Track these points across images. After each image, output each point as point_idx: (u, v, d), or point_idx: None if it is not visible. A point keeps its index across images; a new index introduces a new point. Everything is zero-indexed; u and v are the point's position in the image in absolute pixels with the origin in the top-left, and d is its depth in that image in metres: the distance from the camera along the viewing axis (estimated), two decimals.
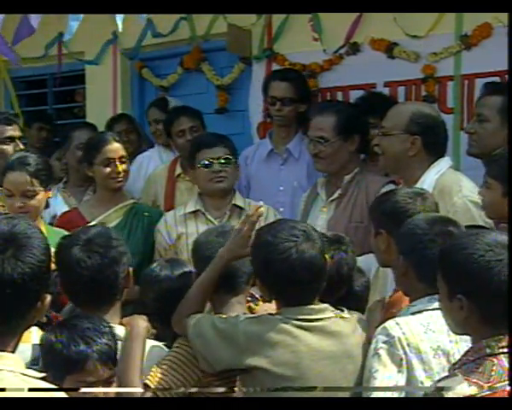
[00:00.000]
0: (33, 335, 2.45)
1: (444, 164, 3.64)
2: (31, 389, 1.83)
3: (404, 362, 2.50)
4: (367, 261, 3.23)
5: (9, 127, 4.36)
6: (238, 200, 4.10)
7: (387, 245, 2.84)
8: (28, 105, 6.78)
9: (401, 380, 2.48)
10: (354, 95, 4.80)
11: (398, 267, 2.69)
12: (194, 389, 2.56)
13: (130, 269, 2.84)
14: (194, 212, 4.06)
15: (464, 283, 2.12)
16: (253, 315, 2.69)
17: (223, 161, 4.02)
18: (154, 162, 5.24)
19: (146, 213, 4.23)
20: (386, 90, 4.76)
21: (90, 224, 3.77)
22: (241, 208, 4.06)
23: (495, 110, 3.69)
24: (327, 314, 2.64)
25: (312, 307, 2.63)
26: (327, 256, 2.68)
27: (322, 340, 2.60)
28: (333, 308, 2.71)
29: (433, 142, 3.63)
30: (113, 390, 2.44)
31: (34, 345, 2.47)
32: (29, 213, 3.57)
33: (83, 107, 6.44)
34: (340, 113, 4.06)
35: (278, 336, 2.57)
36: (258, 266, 2.68)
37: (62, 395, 1.92)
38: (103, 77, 6.08)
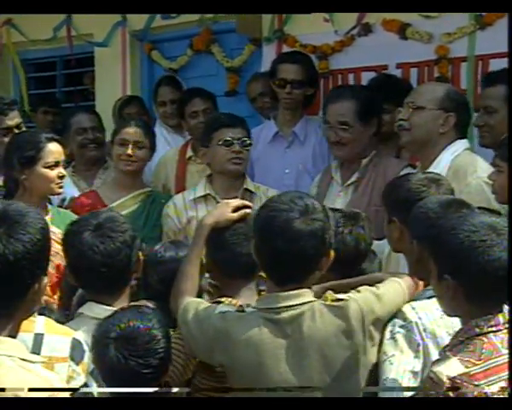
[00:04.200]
0: (37, 324, 2.38)
1: (460, 145, 3.61)
2: (31, 389, 1.81)
3: (420, 347, 2.46)
4: (380, 244, 3.17)
5: (6, 117, 4.27)
6: (249, 184, 4.05)
7: (400, 233, 2.77)
8: (37, 88, 6.77)
9: (417, 366, 2.44)
10: (366, 76, 4.73)
11: (412, 253, 2.63)
12: (186, 389, 2.49)
13: (140, 253, 2.81)
14: (203, 196, 4.01)
15: (450, 263, 2.16)
16: (227, 308, 2.56)
17: (243, 142, 3.95)
18: (158, 142, 5.18)
19: (163, 201, 4.20)
20: (398, 72, 4.69)
21: (105, 208, 3.76)
22: (251, 192, 4.01)
23: (501, 100, 3.70)
24: (300, 300, 2.43)
25: (285, 293, 2.43)
26: (331, 248, 2.50)
27: (290, 334, 2.42)
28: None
29: (463, 120, 3.63)
30: (112, 390, 2.41)
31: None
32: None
33: (91, 89, 6.40)
34: (359, 97, 4.01)
35: (243, 333, 2.43)
36: (252, 224, 2.55)
37: (63, 394, 1.90)
38: (112, 59, 6.04)
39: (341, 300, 2.48)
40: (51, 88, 6.69)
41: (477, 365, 2.08)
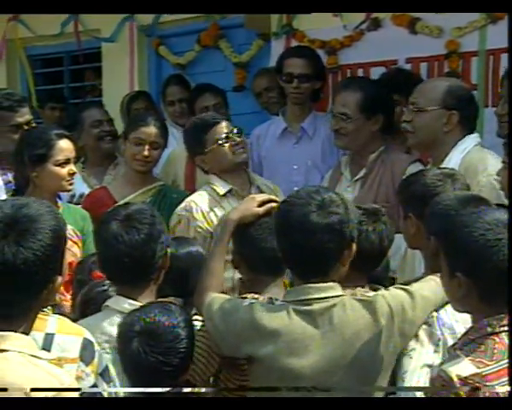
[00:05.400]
0: (49, 324, 2.34)
1: (470, 141, 3.55)
2: (33, 389, 1.80)
3: (441, 342, 2.45)
4: (396, 241, 3.12)
5: (16, 114, 4.21)
6: (257, 180, 3.96)
7: (417, 228, 2.74)
8: (45, 84, 6.75)
9: (437, 360, 2.42)
10: (375, 72, 4.70)
11: (429, 248, 2.59)
12: (203, 389, 2.48)
13: (169, 250, 2.78)
14: (224, 194, 3.85)
15: (463, 261, 2.13)
16: (255, 300, 2.57)
17: (236, 131, 3.86)
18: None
19: (174, 195, 4.17)
20: (408, 67, 4.66)
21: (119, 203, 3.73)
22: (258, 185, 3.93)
23: None
24: (331, 293, 2.45)
25: (316, 285, 2.44)
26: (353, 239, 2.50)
27: (321, 325, 2.42)
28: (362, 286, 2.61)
29: (468, 116, 3.56)
30: (116, 390, 2.40)
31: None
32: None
33: (96, 85, 6.39)
34: (366, 90, 3.98)
35: (273, 323, 2.43)
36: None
37: (65, 394, 1.88)
38: (120, 54, 6.03)
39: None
40: (58, 84, 6.67)
41: (489, 365, 2.04)
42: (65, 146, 3.77)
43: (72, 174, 3.78)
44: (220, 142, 3.83)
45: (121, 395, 2.37)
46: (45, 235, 1.94)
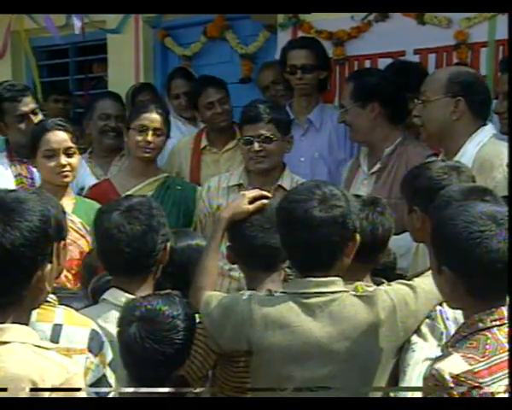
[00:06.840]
0: (56, 315, 2.34)
1: (485, 133, 3.45)
2: (32, 389, 1.80)
3: (444, 336, 2.42)
4: (407, 238, 3.08)
5: (20, 103, 4.16)
6: (285, 180, 3.92)
7: (422, 223, 2.70)
8: (50, 75, 6.73)
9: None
10: (383, 63, 4.66)
11: None
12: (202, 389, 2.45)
13: (168, 244, 2.77)
14: (237, 185, 3.92)
15: (448, 254, 2.10)
16: (255, 292, 2.56)
17: (263, 139, 3.82)
18: (173, 134, 5.11)
19: (178, 187, 4.15)
20: (416, 58, 4.63)
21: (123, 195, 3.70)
22: (285, 190, 3.81)
23: None
24: (331, 288, 2.43)
25: (317, 279, 2.44)
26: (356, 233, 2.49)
27: (319, 319, 2.41)
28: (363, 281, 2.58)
29: (476, 100, 3.46)
30: (114, 390, 2.36)
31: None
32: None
33: (102, 77, 6.35)
34: (359, 79, 3.98)
35: (273, 314, 2.43)
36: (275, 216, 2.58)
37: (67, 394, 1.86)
38: (125, 46, 6.00)
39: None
40: (64, 75, 6.64)
41: (481, 361, 2.00)
42: (52, 138, 3.71)
43: (63, 166, 3.70)
44: (241, 141, 3.87)
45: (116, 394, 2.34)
46: (33, 217, 1.94)
